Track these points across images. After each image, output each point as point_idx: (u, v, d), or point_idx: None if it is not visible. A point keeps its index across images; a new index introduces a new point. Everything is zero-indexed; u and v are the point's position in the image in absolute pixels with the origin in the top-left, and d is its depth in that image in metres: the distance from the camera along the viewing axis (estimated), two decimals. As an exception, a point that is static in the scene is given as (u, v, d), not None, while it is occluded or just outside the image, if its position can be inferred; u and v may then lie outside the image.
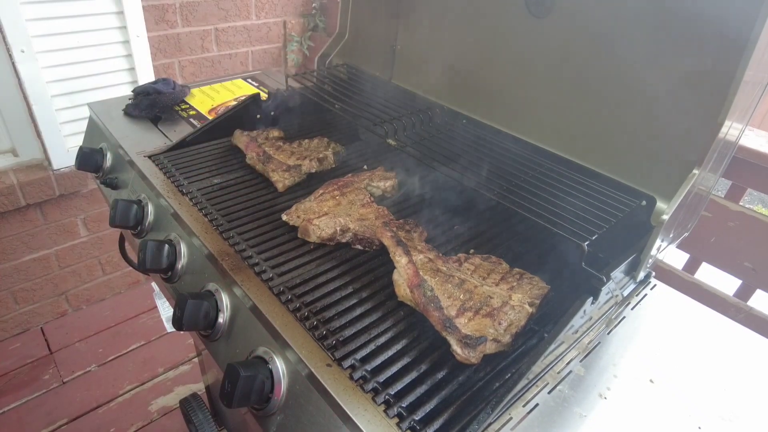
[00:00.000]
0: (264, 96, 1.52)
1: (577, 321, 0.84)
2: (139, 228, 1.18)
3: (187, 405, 1.63)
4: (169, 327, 1.46)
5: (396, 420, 0.69)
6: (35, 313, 2.66)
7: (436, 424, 0.69)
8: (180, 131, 1.48)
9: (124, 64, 2.39)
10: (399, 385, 0.74)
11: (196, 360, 2.58)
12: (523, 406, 0.77)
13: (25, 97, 2.16)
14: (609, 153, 1.12)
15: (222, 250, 0.98)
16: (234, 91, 1.80)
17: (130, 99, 1.60)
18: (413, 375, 0.76)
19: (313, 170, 1.27)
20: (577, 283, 0.89)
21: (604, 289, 0.85)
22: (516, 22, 1.22)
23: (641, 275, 0.99)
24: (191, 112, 1.63)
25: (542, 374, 0.83)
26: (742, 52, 0.79)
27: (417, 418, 0.70)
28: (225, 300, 0.92)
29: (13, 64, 2.07)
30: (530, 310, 0.86)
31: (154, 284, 1.42)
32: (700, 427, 0.79)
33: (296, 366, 0.77)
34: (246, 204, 1.14)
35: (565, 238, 0.88)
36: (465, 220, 1.16)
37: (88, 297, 2.83)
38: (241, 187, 1.21)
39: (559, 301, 0.92)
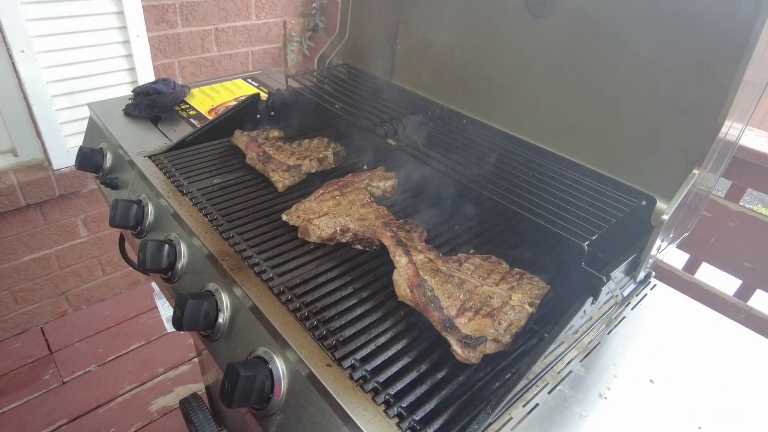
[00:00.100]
0: (264, 96, 1.52)
1: (577, 321, 0.84)
2: (139, 228, 1.18)
3: (187, 405, 1.63)
4: (169, 327, 1.46)
5: (396, 420, 0.69)
6: (35, 313, 2.66)
7: (436, 424, 0.69)
8: (180, 131, 1.48)
9: (124, 64, 2.39)
10: (399, 385, 0.74)
11: (196, 360, 2.58)
12: (523, 406, 0.77)
13: (25, 97, 2.16)
14: (609, 153, 1.12)
15: (222, 250, 0.98)
16: (234, 91, 1.80)
17: (130, 99, 1.60)
18: (413, 375, 0.76)
19: (313, 170, 1.27)
20: (577, 283, 0.89)
21: (604, 289, 0.85)
22: (516, 22, 1.22)
23: (641, 275, 0.99)
24: (191, 112, 1.63)
25: (542, 374, 0.83)
26: (742, 52, 0.79)
27: (417, 418, 0.70)
28: (225, 300, 0.92)
29: (13, 64, 2.07)
30: (530, 310, 0.86)
31: (154, 284, 1.42)
32: (700, 427, 0.79)
33: (296, 366, 0.77)
34: (246, 204, 1.14)
35: (565, 238, 0.88)
36: (465, 220, 1.16)
37: (88, 297, 2.83)
38: (241, 187, 1.21)
39: (559, 301, 0.92)
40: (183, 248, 1.05)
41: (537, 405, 0.78)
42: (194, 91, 1.78)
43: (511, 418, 0.75)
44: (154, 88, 1.60)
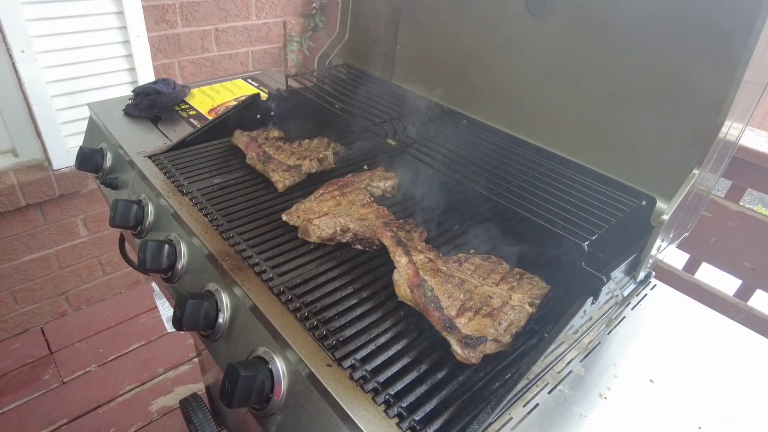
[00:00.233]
0: (264, 96, 1.52)
1: (577, 321, 0.84)
2: (139, 228, 1.18)
3: (187, 405, 1.63)
4: (169, 327, 1.46)
5: (396, 420, 0.69)
6: (35, 313, 2.66)
7: (436, 424, 0.69)
8: (180, 131, 1.48)
9: (124, 65, 2.39)
10: (399, 385, 0.74)
11: (196, 360, 2.58)
12: (523, 406, 0.77)
13: (25, 97, 2.16)
14: (609, 153, 1.12)
15: (222, 250, 0.98)
16: (234, 91, 1.80)
17: (130, 99, 1.60)
18: (413, 375, 0.76)
19: (313, 170, 1.27)
20: (577, 283, 0.89)
21: (604, 289, 0.85)
22: (516, 23, 1.22)
23: (641, 275, 0.99)
24: (191, 112, 1.63)
25: (542, 374, 0.83)
26: (742, 52, 0.79)
27: (417, 418, 0.70)
28: (225, 300, 0.92)
29: (13, 64, 2.07)
30: (530, 310, 0.86)
31: (154, 284, 1.42)
32: (700, 427, 0.79)
33: (296, 366, 0.77)
34: (246, 204, 1.14)
35: (565, 238, 0.88)
36: (465, 220, 1.16)
37: (88, 297, 2.83)
38: (241, 187, 1.21)
39: (559, 301, 0.92)
40: (183, 248, 1.05)
41: (537, 405, 0.78)
42: (194, 91, 1.78)
43: (511, 418, 0.75)
44: (154, 88, 1.60)
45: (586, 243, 0.85)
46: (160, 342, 2.67)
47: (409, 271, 0.87)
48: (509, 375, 0.76)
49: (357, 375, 0.74)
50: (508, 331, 0.82)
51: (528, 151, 1.21)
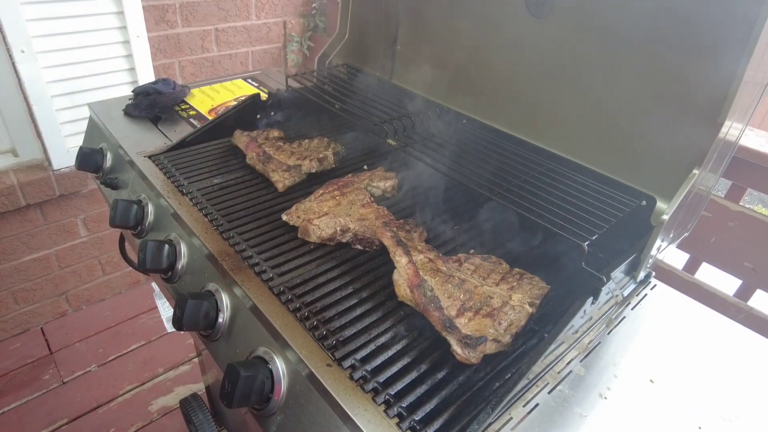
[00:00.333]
0: (264, 96, 1.52)
1: (577, 321, 0.84)
2: (139, 228, 1.18)
3: (187, 405, 1.63)
4: (169, 327, 1.46)
5: (396, 420, 0.69)
6: (35, 313, 2.66)
7: (436, 424, 0.69)
8: (180, 131, 1.48)
9: (125, 65, 2.39)
10: (399, 385, 0.74)
11: (196, 360, 2.58)
12: (523, 406, 0.77)
13: (25, 97, 2.16)
14: (609, 153, 1.12)
15: (222, 250, 0.98)
16: (234, 91, 1.80)
17: (130, 99, 1.60)
18: (413, 375, 0.76)
19: (313, 170, 1.27)
20: (577, 283, 0.89)
21: (604, 289, 0.85)
22: (516, 23, 1.22)
23: (641, 275, 0.99)
24: (191, 112, 1.63)
25: (542, 374, 0.83)
26: (742, 52, 0.79)
27: (417, 418, 0.70)
28: (225, 300, 0.92)
29: (13, 64, 2.07)
30: (530, 310, 0.86)
31: (154, 284, 1.42)
32: (700, 427, 0.79)
33: (296, 366, 0.77)
34: (246, 204, 1.14)
35: (565, 238, 0.88)
36: (465, 220, 1.16)
37: (88, 297, 2.83)
38: (241, 187, 1.21)
39: (559, 301, 0.92)
40: (183, 248, 1.05)
41: (537, 405, 0.78)
42: (194, 91, 1.78)
43: (511, 418, 0.75)
44: (154, 88, 1.60)
45: (586, 243, 0.85)
46: (160, 342, 2.67)
47: (409, 271, 0.87)
48: (509, 375, 0.76)
49: (357, 375, 0.74)
50: (508, 331, 0.82)
51: (528, 151, 1.21)
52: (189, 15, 2.54)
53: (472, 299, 0.86)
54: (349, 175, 1.23)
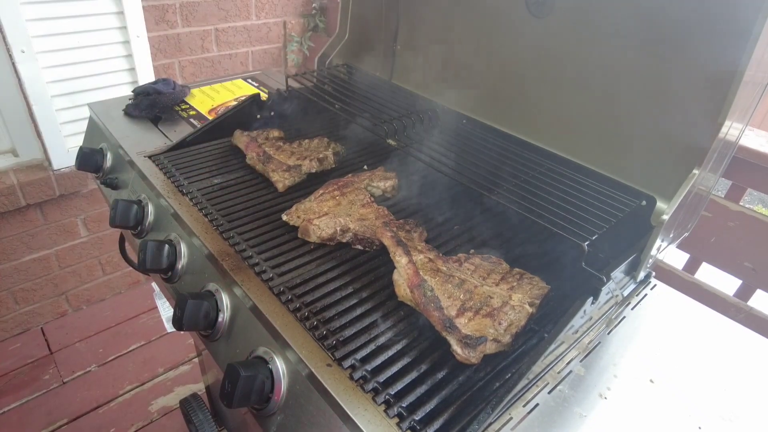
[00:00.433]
0: (264, 96, 1.52)
1: (577, 321, 0.84)
2: (139, 228, 1.18)
3: (187, 405, 1.63)
4: (169, 327, 1.46)
5: (396, 420, 0.69)
6: (35, 313, 2.66)
7: (436, 424, 0.69)
8: (180, 131, 1.48)
9: (125, 65, 2.39)
10: (399, 385, 0.74)
11: (196, 360, 2.58)
12: (523, 406, 0.77)
13: (25, 97, 2.16)
14: (609, 153, 1.12)
15: (222, 250, 0.98)
16: (234, 91, 1.80)
17: (130, 99, 1.60)
18: (413, 375, 0.76)
19: (313, 170, 1.27)
20: (577, 283, 0.89)
21: (604, 289, 0.85)
22: (516, 22, 1.22)
23: (641, 275, 0.99)
24: (191, 113, 1.63)
25: (542, 374, 0.83)
26: (742, 52, 0.79)
27: (417, 418, 0.70)
28: (225, 300, 0.92)
29: (13, 64, 2.07)
30: (530, 310, 0.86)
31: (154, 284, 1.42)
32: (700, 427, 0.79)
33: (296, 366, 0.77)
34: (246, 204, 1.14)
35: (565, 238, 0.88)
36: (465, 220, 1.16)
37: (88, 297, 2.83)
38: (241, 187, 1.21)
39: (559, 301, 0.92)
40: (183, 248, 1.05)
41: (537, 405, 0.78)
42: (194, 91, 1.78)
43: (511, 418, 0.75)
44: (154, 88, 1.60)
45: (586, 243, 0.85)
46: (160, 342, 2.67)
47: (409, 271, 0.87)
48: (509, 375, 0.76)
49: (357, 375, 0.74)
50: (508, 331, 0.82)
51: (528, 150, 1.21)
52: (189, 15, 2.54)
53: (472, 299, 0.86)
54: (349, 175, 1.23)
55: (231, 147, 1.36)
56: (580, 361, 0.88)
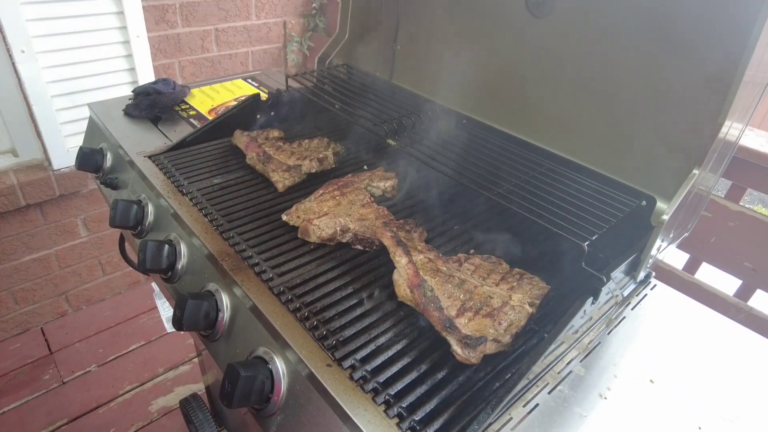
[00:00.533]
0: (264, 96, 1.52)
1: (577, 321, 0.84)
2: (139, 228, 1.18)
3: (187, 405, 1.63)
4: (169, 327, 1.46)
5: (396, 420, 0.69)
6: (35, 313, 2.66)
7: (436, 424, 0.69)
8: (180, 131, 1.48)
9: (125, 65, 2.39)
10: (399, 385, 0.74)
11: (196, 360, 2.58)
12: (523, 406, 0.77)
13: (25, 97, 2.16)
14: (609, 153, 1.12)
15: (222, 250, 0.98)
16: (234, 91, 1.80)
17: (130, 99, 1.60)
18: (413, 375, 0.76)
19: (313, 170, 1.27)
20: (577, 283, 0.89)
21: (604, 289, 0.85)
22: (516, 23, 1.22)
23: (641, 275, 0.99)
24: (191, 113, 1.63)
25: (542, 374, 0.83)
26: (742, 52, 0.79)
27: (417, 418, 0.70)
28: (225, 300, 0.92)
29: (13, 64, 2.07)
30: (530, 310, 0.86)
31: (154, 284, 1.42)
32: (700, 427, 0.79)
33: (296, 366, 0.77)
34: (246, 204, 1.14)
35: (565, 238, 0.88)
36: (465, 220, 1.16)
37: (88, 297, 2.83)
38: (241, 187, 1.21)
39: (559, 301, 0.92)
40: (183, 248, 1.05)
41: (537, 405, 0.78)
42: (194, 91, 1.78)
43: (511, 418, 0.75)
44: (154, 88, 1.60)
45: (586, 243, 0.85)
46: (160, 342, 2.67)
47: (409, 271, 0.87)
48: (509, 375, 0.76)
49: (357, 375, 0.74)
50: (508, 331, 0.82)
51: (528, 151, 1.21)
52: (189, 15, 2.54)
53: (472, 299, 0.86)
54: (349, 175, 1.23)
55: (231, 147, 1.36)
56: (580, 361, 0.88)
